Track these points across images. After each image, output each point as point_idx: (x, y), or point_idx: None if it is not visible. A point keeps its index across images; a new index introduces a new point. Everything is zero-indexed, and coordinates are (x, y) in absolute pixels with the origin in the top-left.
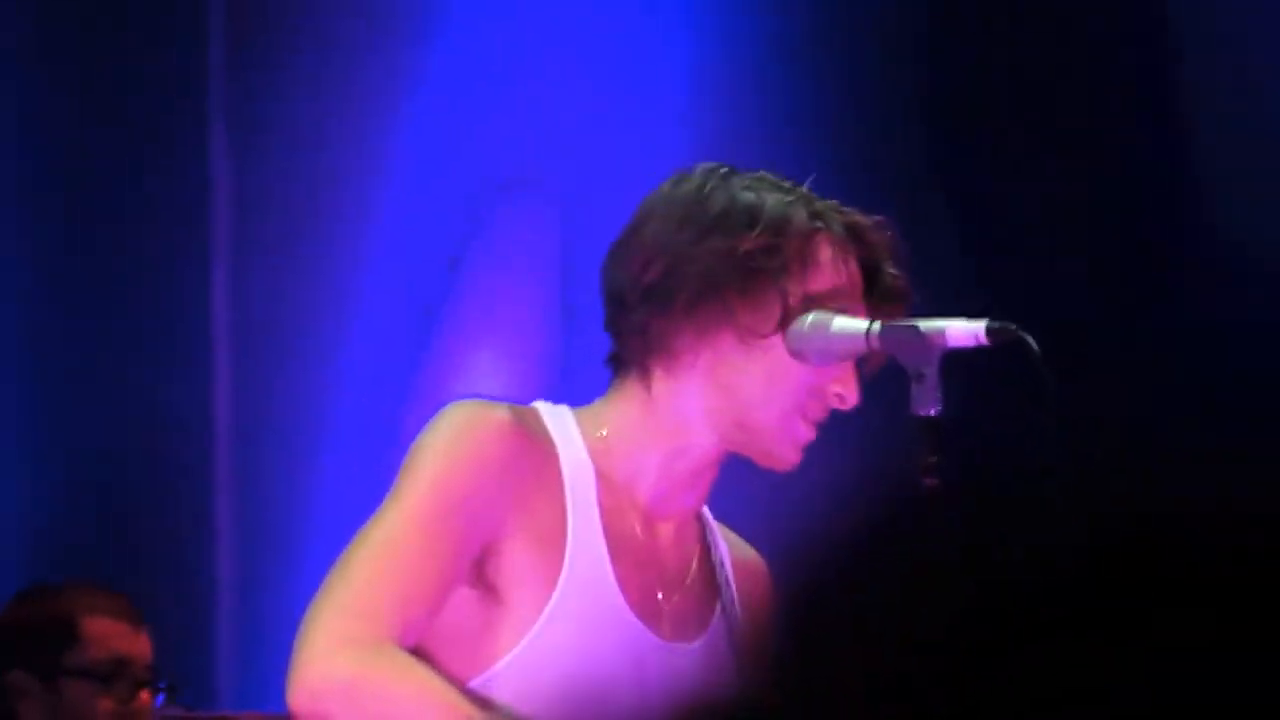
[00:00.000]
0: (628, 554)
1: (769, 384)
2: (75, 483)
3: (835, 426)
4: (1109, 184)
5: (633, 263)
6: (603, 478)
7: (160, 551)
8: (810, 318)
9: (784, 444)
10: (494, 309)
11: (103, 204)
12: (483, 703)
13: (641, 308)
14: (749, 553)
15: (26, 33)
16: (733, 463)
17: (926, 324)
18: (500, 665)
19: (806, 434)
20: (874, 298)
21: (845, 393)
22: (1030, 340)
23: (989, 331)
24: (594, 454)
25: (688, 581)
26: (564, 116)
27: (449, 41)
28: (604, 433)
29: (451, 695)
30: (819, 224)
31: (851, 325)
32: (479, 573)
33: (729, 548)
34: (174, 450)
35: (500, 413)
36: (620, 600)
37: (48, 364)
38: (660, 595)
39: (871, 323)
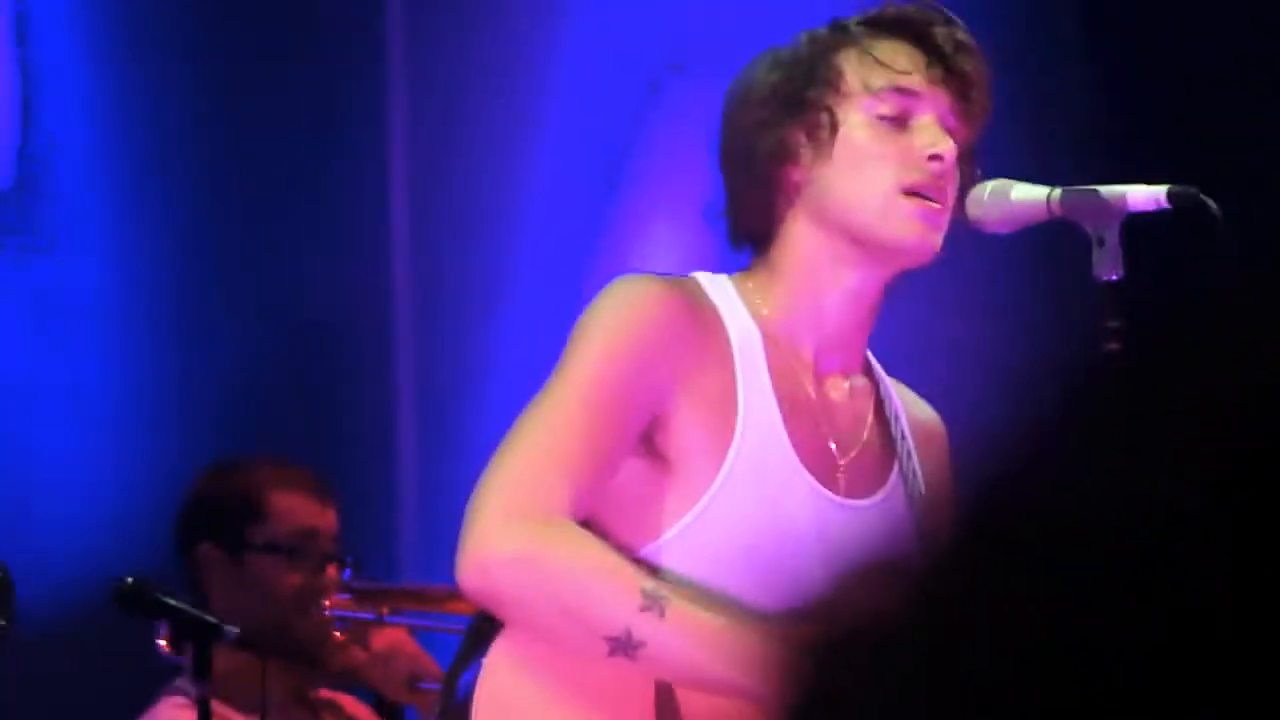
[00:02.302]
0: (800, 414)
1: (851, 176)
2: (261, 357)
3: (1018, 300)
4: None
5: (719, 157)
6: (770, 343)
7: (343, 427)
8: (990, 186)
9: (900, 227)
10: (672, 183)
11: (284, 92)
12: (653, 573)
13: (730, 185)
14: (925, 410)
15: None
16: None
17: (1107, 189)
18: (672, 533)
19: (916, 207)
20: (941, 69)
21: (931, 143)
22: (1212, 204)
23: (1170, 195)
24: (757, 320)
25: (864, 438)
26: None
27: None
28: (760, 300)
29: (624, 568)
30: (831, 39)
31: (1030, 192)
32: (649, 444)
33: (904, 405)
34: (355, 326)
35: (664, 285)
36: (795, 460)
37: (228, 235)
38: (836, 453)
39: (1052, 189)
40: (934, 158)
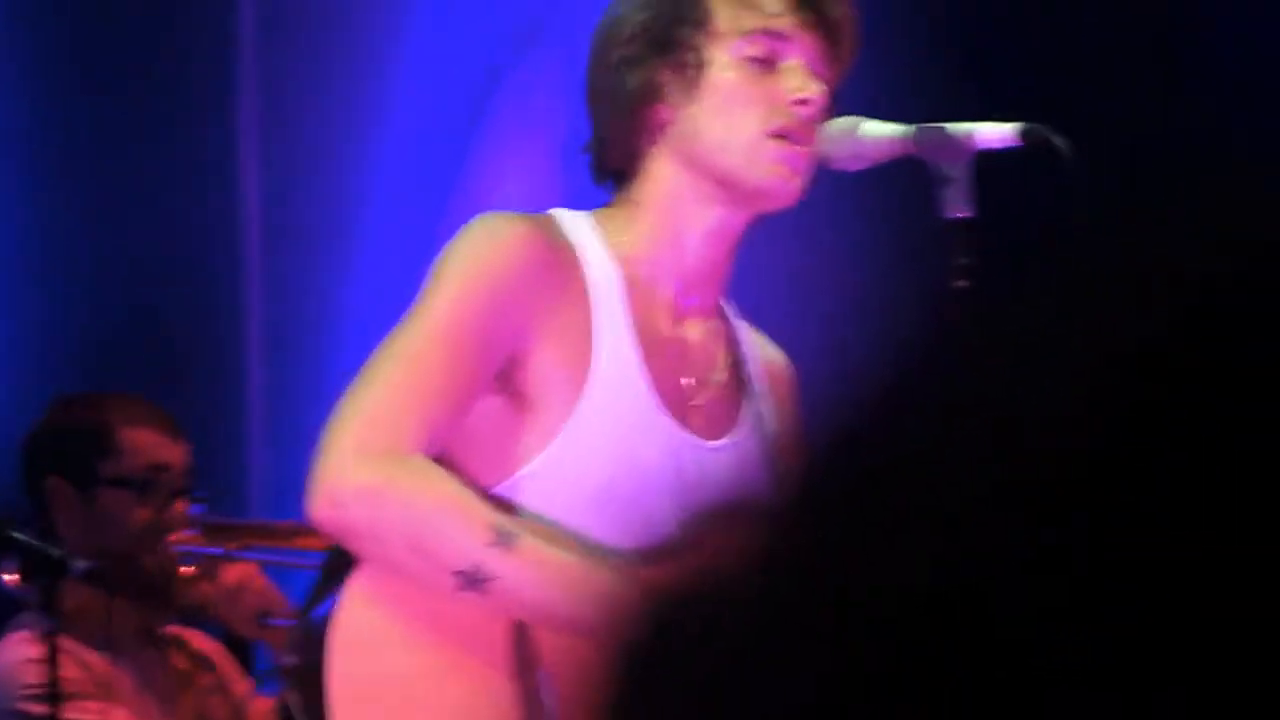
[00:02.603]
0: (657, 353)
1: (719, 117)
2: (109, 294)
3: (869, 236)
4: None
5: (587, 93)
6: (628, 281)
7: (193, 364)
8: (839, 123)
9: (765, 170)
10: (532, 123)
11: (132, 37)
12: (507, 510)
13: (596, 119)
14: (775, 353)
15: None
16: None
17: (956, 126)
18: (527, 469)
19: (782, 150)
20: (812, 13)
21: (799, 87)
22: (1061, 141)
23: (1020, 133)
24: (616, 259)
25: (716, 377)
26: None
27: None
28: (621, 238)
29: (475, 504)
30: None
31: (880, 129)
32: (506, 381)
33: (756, 348)
34: (204, 264)
35: (522, 224)
36: (651, 397)
37: (77, 175)
38: (691, 392)
39: (902, 126)
40: (801, 102)
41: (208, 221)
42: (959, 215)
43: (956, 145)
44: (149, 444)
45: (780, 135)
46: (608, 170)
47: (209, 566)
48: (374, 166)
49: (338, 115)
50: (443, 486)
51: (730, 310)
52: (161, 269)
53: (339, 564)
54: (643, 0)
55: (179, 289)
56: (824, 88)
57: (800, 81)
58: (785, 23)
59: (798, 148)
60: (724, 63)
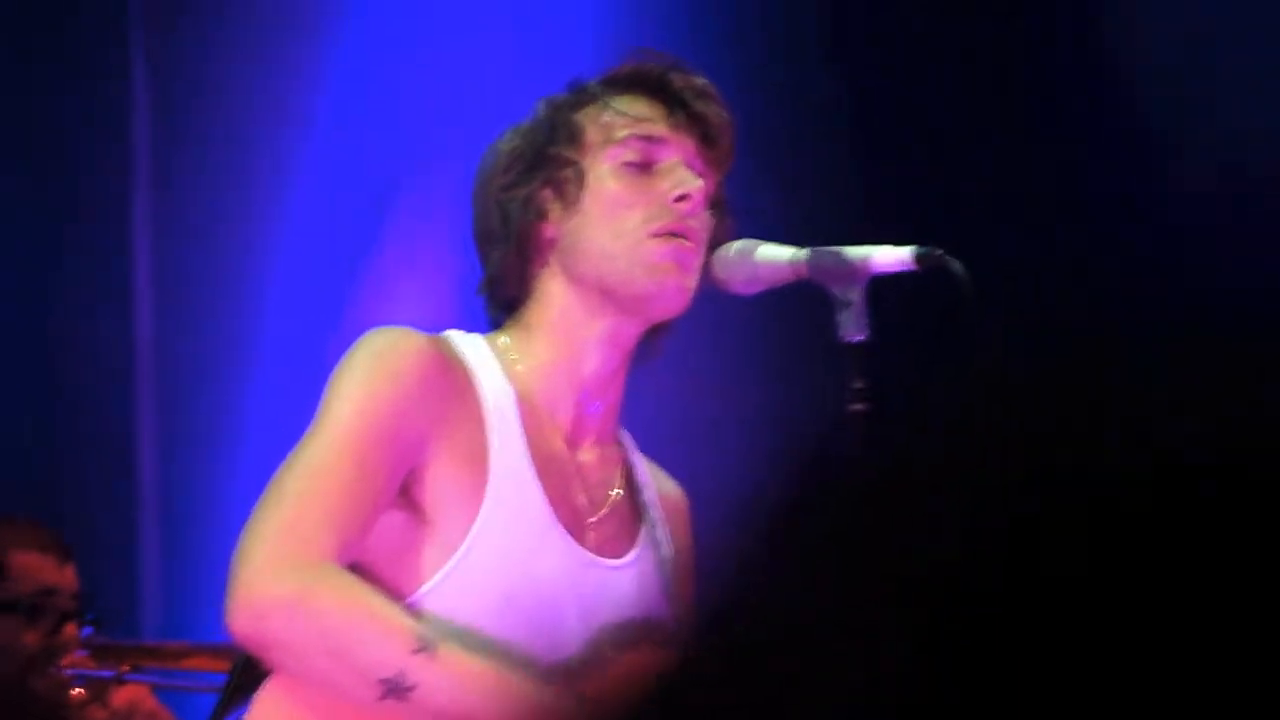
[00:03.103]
0: (552, 472)
1: (601, 225)
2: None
3: (765, 360)
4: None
5: (473, 232)
6: (523, 402)
7: (85, 484)
8: (735, 246)
9: (649, 275)
10: (417, 248)
11: (30, 144)
12: (417, 618)
13: (485, 254)
14: (669, 484)
15: None
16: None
17: (853, 250)
18: (432, 583)
19: (666, 246)
20: (683, 115)
21: (677, 184)
22: (956, 265)
23: (916, 257)
24: (511, 379)
25: (612, 500)
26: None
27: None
28: (514, 358)
29: (395, 612)
30: (570, 99)
31: (776, 253)
32: (407, 495)
33: (652, 477)
34: (97, 384)
35: (416, 338)
36: (548, 514)
37: None
38: (586, 510)
39: (798, 250)
40: (681, 198)
41: (99, 338)
42: (855, 338)
43: (852, 269)
44: (37, 567)
45: (663, 234)
46: (503, 303)
47: (100, 689)
48: (269, 278)
49: (234, 228)
50: (361, 595)
51: (627, 440)
52: (53, 386)
53: (246, 677)
54: (513, 133)
55: (71, 406)
56: (703, 183)
57: (677, 179)
58: (657, 126)
59: (683, 242)
60: (601, 172)
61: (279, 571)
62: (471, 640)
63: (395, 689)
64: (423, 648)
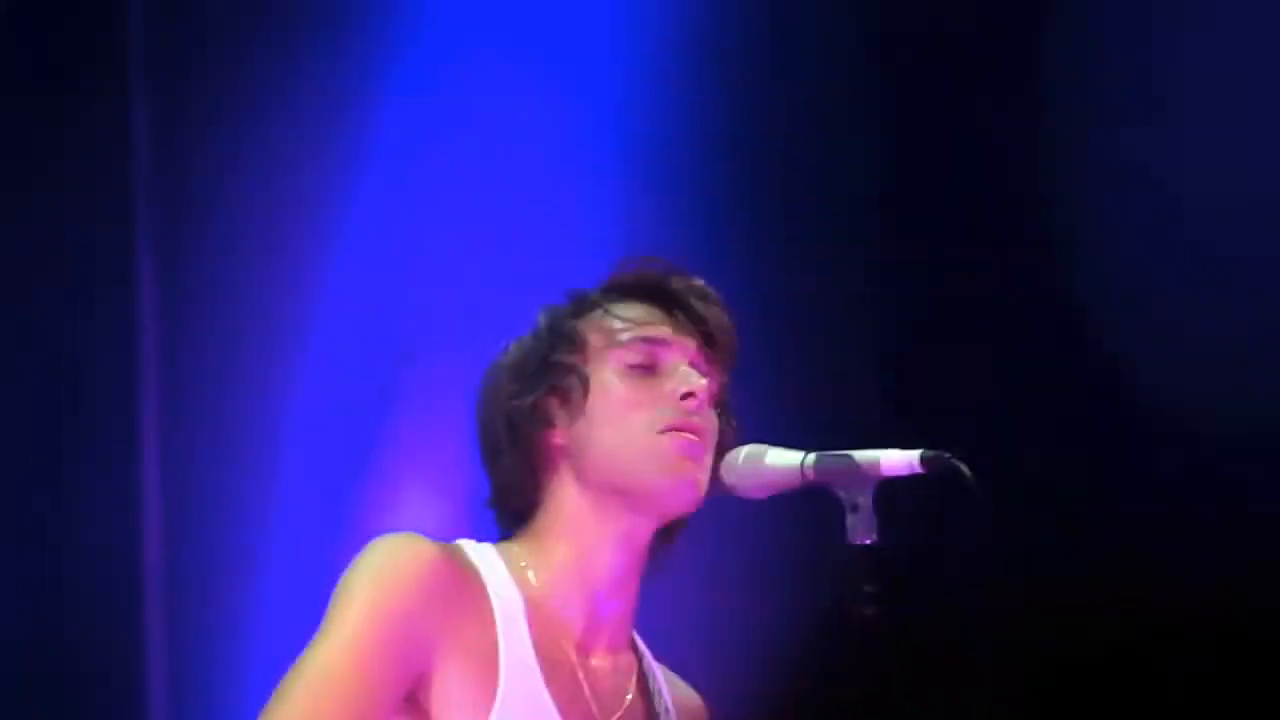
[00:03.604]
0: (562, 680)
1: (609, 427)
2: (3, 629)
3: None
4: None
5: (479, 446)
6: (533, 609)
7: (92, 705)
8: (744, 451)
9: (661, 471)
10: (426, 449)
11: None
12: None
13: (493, 465)
14: (688, 691)
15: None
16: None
17: (861, 454)
18: None
19: (677, 447)
20: (684, 317)
21: (682, 382)
22: (964, 468)
23: (924, 460)
24: (521, 587)
25: (626, 706)
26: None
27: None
28: (525, 565)
29: None
30: (571, 308)
31: (784, 457)
32: (414, 702)
33: (669, 685)
34: (104, 598)
35: (427, 545)
36: None
37: None
38: (599, 718)
39: (806, 455)
40: (687, 395)
41: (109, 557)
42: (864, 541)
43: (860, 473)
44: None
45: (673, 428)
46: (513, 514)
47: None
48: (270, 498)
49: (239, 436)
50: None
51: (642, 648)
52: (59, 605)
53: None
54: (515, 345)
55: (77, 626)
56: (707, 382)
57: (682, 377)
58: (660, 329)
59: (691, 437)
60: (606, 376)
61: None
62: None
63: None
64: None
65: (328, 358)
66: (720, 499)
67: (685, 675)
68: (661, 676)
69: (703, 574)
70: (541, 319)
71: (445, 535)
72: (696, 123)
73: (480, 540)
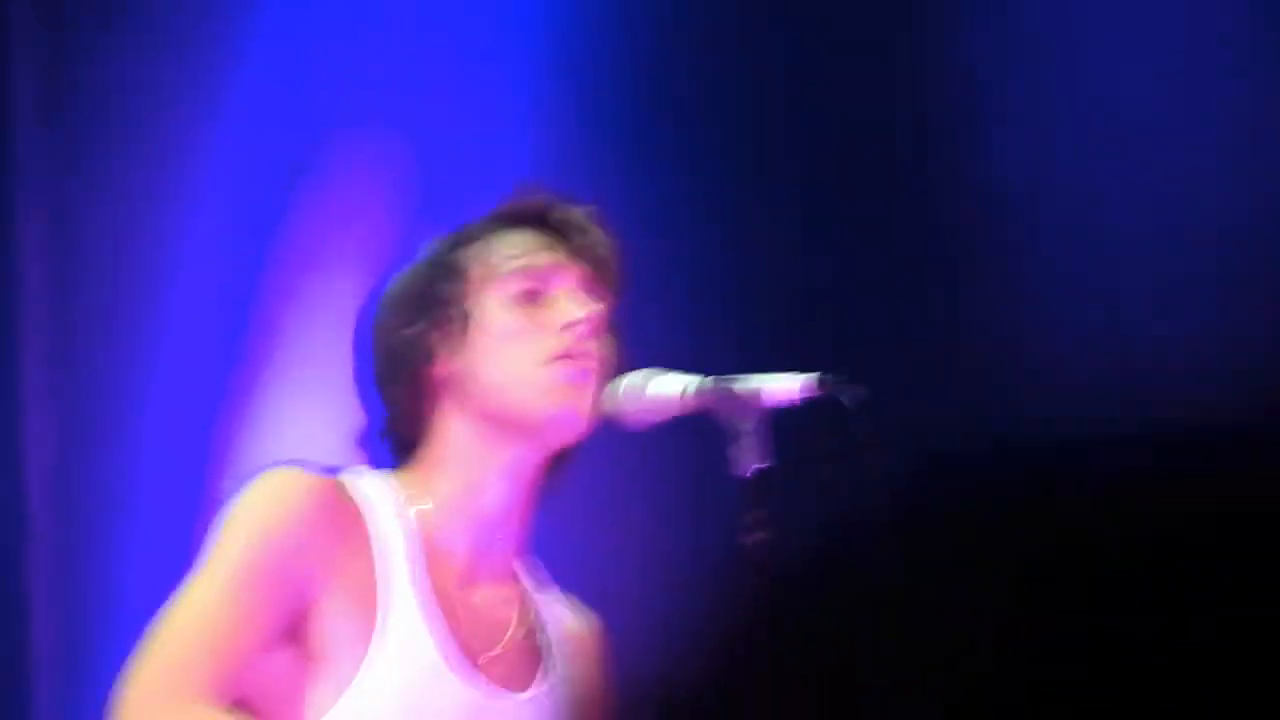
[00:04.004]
0: (444, 612)
1: (492, 358)
2: None
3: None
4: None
5: (371, 378)
6: (417, 541)
7: None
8: (625, 381)
9: (547, 402)
10: (317, 372)
11: None
12: None
13: (378, 396)
14: (578, 616)
15: None
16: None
17: (742, 383)
18: None
19: (560, 371)
20: (566, 247)
21: (566, 311)
22: (846, 393)
23: (803, 388)
24: (406, 518)
25: (507, 640)
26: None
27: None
28: (412, 496)
29: None
30: (452, 240)
31: (666, 386)
32: (296, 635)
33: (562, 613)
34: None
35: (309, 479)
36: (436, 655)
37: None
38: (482, 649)
39: (689, 383)
40: (571, 325)
41: None
42: (750, 469)
43: (742, 402)
44: None
45: (557, 359)
46: (403, 445)
47: None
48: (153, 417)
49: (118, 376)
50: None
51: (530, 575)
52: None
53: None
54: (399, 279)
55: None
56: (593, 309)
57: (567, 306)
58: (542, 258)
59: (578, 364)
60: (489, 306)
61: (155, 710)
62: None
63: None
64: None
65: (208, 281)
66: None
67: (582, 600)
68: (549, 607)
69: (600, 500)
70: (423, 251)
71: (336, 460)
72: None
73: (373, 468)
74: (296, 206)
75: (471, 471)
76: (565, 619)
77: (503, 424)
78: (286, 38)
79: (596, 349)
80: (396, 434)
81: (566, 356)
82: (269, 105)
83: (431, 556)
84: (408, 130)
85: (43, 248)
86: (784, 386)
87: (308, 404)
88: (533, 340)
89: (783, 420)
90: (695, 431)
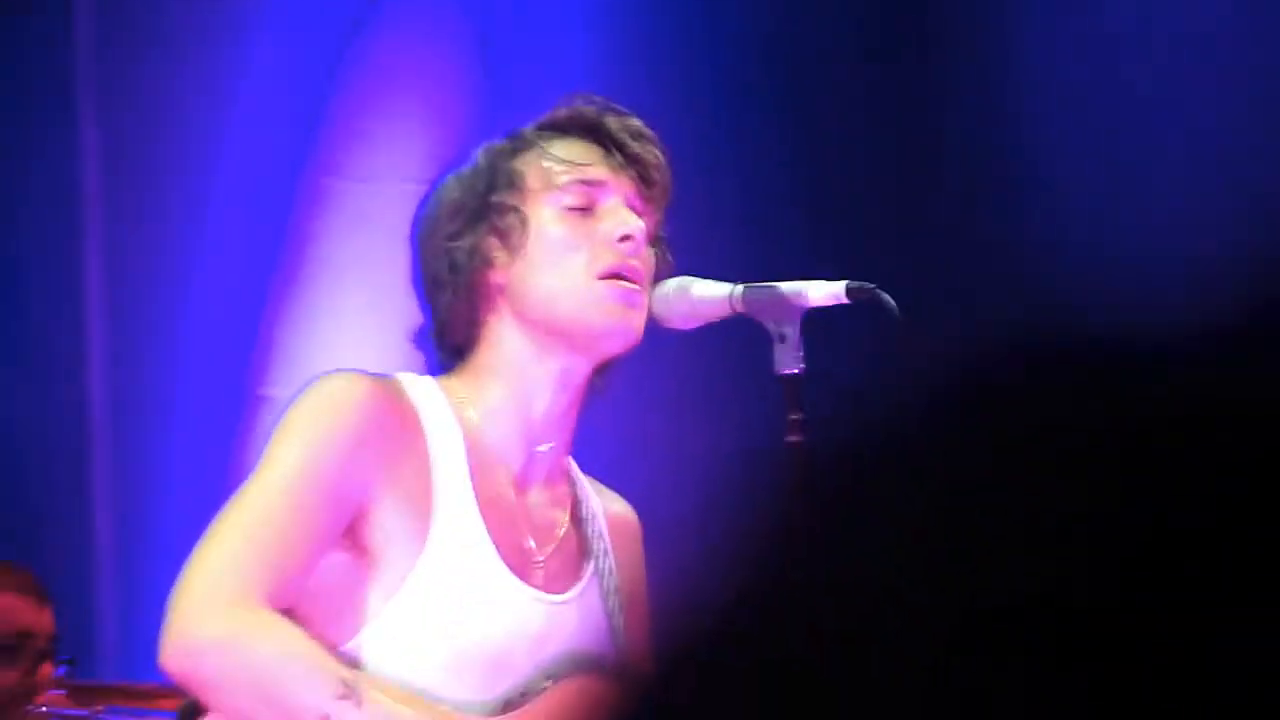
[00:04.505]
0: (498, 513)
1: (546, 268)
2: None
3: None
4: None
5: (419, 283)
6: (472, 444)
7: (43, 533)
8: (673, 283)
9: (600, 312)
10: (363, 278)
11: None
12: (354, 664)
13: (433, 301)
14: (619, 505)
15: None
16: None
17: (788, 285)
18: (374, 624)
19: (613, 289)
20: (620, 157)
21: (619, 224)
22: (888, 299)
23: (849, 290)
24: (460, 422)
25: (559, 537)
26: None
27: None
28: (464, 401)
29: (323, 657)
30: (508, 147)
31: (712, 289)
32: (352, 537)
33: (603, 503)
34: (53, 433)
35: (366, 383)
36: (492, 554)
37: None
38: (534, 550)
39: (734, 286)
40: (624, 238)
41: (55, 394)
42: (790, 371)
43: (786, 304)
44: (15, 609)
45: (609, 275)
46: (452, 349)
47: None
48: (209, 336)
49: (176, 288)
50: (291, 639)
51: (575, 471)
52: (8, 439)
53: (190, 716)
54: (454, 182)
55: (27, 459)
56: (643, 223)
57: (619, 219)
58: (596, 170)
59: (627, 284)
60: (545, 216)
61: (210, 612)
62: (403, 687)
63: None
64: (348, 694)
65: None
66: (652, 327)
67: (621, 492)
68: (595, 500)
69: (642, 399)
70: (480, 157)
71: (387, 365)
72: None
73: (421, 374)
74: (350, 104)
75: (523, 379)
76: (609, 510)
77: (554, 334)
78: None
79: (646, 261)
80: (448, 339)
81: (619, 273)
82: None
83: (483, 459)
84: (468, 11)
85: (100, 169)
86: (827, 290)
87: (359, 309)
88: (584, 253)
89: (815, 325)
90: (733, 335)
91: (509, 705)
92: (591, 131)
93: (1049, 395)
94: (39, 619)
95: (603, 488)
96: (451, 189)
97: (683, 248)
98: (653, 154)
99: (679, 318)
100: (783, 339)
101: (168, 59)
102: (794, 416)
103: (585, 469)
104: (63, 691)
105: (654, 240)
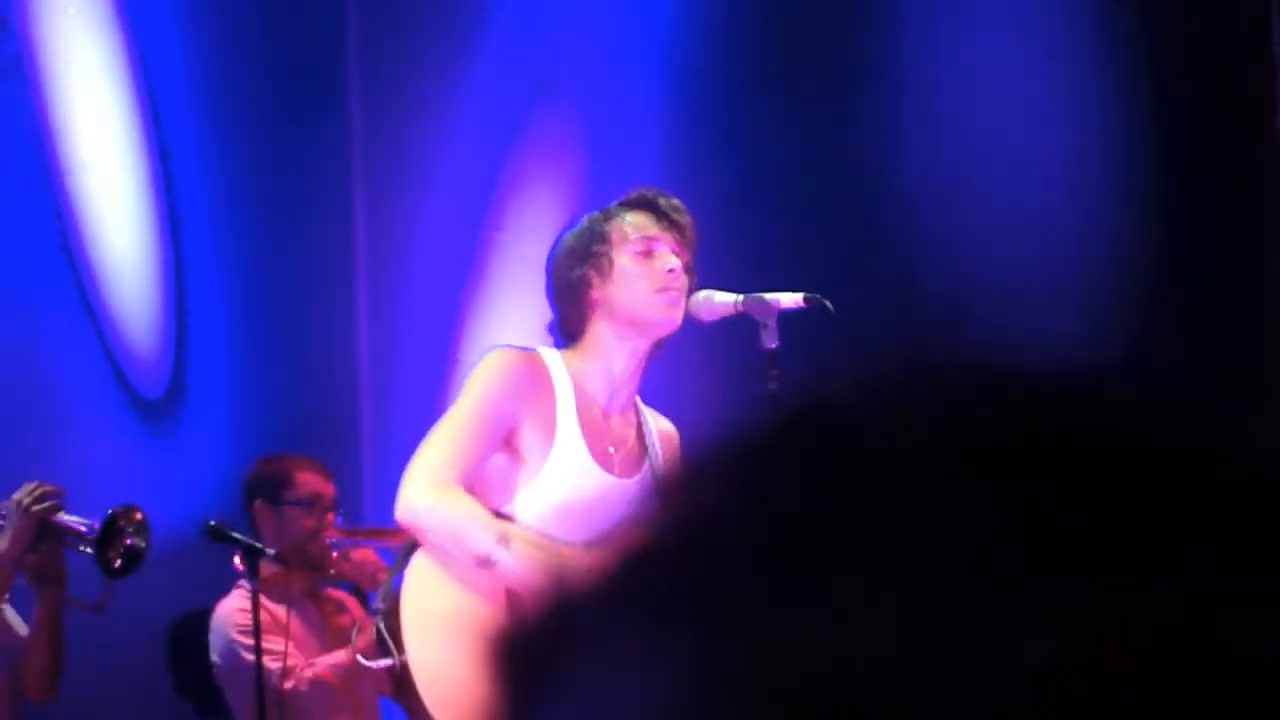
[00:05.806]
0: (592, 431)
1: (625, 290)
2: (272, 397)
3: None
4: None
5: (549, 294)
6: (578, 391)
7: (333, 437)
8: (700, 294)
9: (657, 311)
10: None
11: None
12: (505, 519)
13: (560, 307)
14: (667, 424)
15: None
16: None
17: (769, 295)
18: (520, 498)
19: (665, 297)
20: (667, 223)
21: (666, 264)
22: (829, 304)
23: (805, 299)
24: (573, 377)
25: (629, 444)
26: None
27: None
28: (575, 366)
29: (488, 517)
30: (602, 217)
31: (724, 297)
32: (508, 445)
33: (656, 424)
34: (329, 378)
35: (519, 354)
36: (587, 456)
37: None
38: (612, 452)
39: (738, 295)
40: (670, 271)
41: (329, 350)
42: (770, 346)
43: (768, 307)
44: (312, 481)
45: (661, 290)
46: (567, 336)
47: (346, 552)
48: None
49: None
50: (470, 506)
51: (639, 404)
52: (310, 385)
53: (409, 549)
54: (570, 236)
55: (318, 399)
56: (680, 260)
57: (666, 260)
58: (652, 231)
59: (672, 293)
60: (623, 259)
61: (425, 489)
62: (539, 534)
63: (485, 563)
64: (502, 539)
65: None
66: (687, 322)
67: (667, 416)
68: (651, 422)
69: (678, 367)
70: (585, 220)
71: (532, 341)
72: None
73: (551, 347)
74: (512, 179)
75: (608, 353)
76: (660, 428)
77: (630, 326)
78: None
79: (683, 282)
80: (565, 330)
81: (666, 289)
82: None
83: (584, 400)
84: (584, 112)
85: (366, 204)
86: (791, 299)
87: (519, 309)
88: (647, 280)
89: (786, 320)
90: (733, 326)
91: (592, 545)
92: (650, 207)
93: (919, 414)
94: (326, 487)
95: (656, 414)
96: (568, 240)
97: (701, 272)
98: (686, 220)
99: (703, 316)
100: (766, 327)
101: (424, 119)
102: (772, 374)
103: (646, 401)
104: (341, 531)
105: (687, 269)
